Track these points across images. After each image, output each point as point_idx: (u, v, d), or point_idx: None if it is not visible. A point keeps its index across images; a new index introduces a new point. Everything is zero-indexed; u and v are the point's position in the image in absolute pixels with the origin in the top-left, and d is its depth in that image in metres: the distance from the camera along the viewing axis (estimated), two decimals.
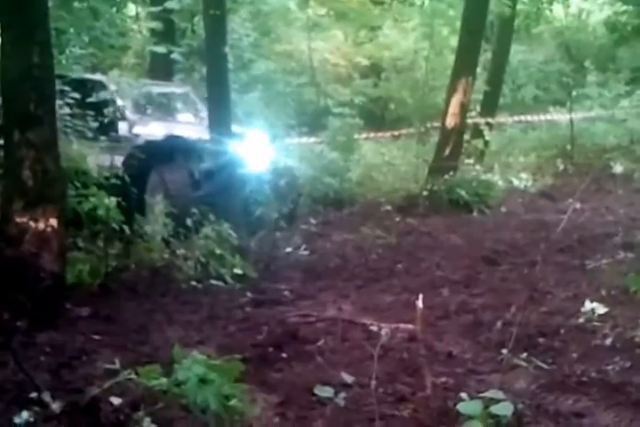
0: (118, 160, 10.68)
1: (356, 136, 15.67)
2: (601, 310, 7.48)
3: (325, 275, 9.11)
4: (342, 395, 4.07)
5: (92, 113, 11.04)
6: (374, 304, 7.63)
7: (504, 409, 3.94)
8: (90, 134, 10.75)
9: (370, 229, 11.05)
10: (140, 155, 10.46)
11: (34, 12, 6.92)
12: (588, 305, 7.59)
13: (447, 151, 14.56)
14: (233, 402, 3.40)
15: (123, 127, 11.07)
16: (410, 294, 7.94)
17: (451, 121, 14.52)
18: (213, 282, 8.41)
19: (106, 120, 10.93)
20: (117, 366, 4.62)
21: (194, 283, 8.32)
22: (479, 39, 15.57)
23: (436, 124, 15.60)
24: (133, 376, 3.57)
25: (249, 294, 8.08)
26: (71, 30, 11.43)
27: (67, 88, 9.94)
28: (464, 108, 14.78)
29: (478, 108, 18.02)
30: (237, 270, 8.65)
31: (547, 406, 5.19)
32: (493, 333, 6.84)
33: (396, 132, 17.91)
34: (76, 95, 10.42)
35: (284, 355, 6.23)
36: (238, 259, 8.82)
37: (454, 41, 15.83)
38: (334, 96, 16.86)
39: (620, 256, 9.66)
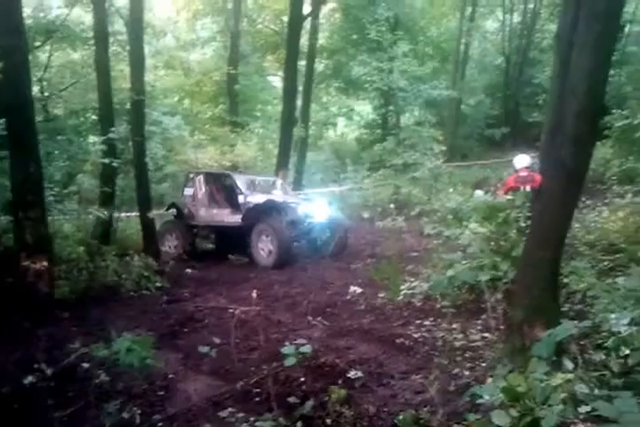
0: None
1: None
2: (359, 290, 7.62)
3: (209, 283, 8.93)
4: (214, 350, 3.96)
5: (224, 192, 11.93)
6: (238, 297, 7.49)
7: (306, 349, 3.97)
8: (221, 204, 11.81)
9: (235, 256, 10.91)
10: (251, 213, 10.58)
11: (30, 143, 6.72)
12: (352, 288, 7.73)
13: None
14: (148, 361, 3.27)
15: (240, 198, 11.07)
16: (257, 290, 7.89)
17: None
18: (144, 292, 8.10)
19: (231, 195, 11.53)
20: (77, 345, 4.38)
21: (132, 293, 8.01)
22: (289, 149, 15.82)
23: None
24: (88, 350, 3.38)
25: (165, 297, 7.82)
26: (56, 152, 10.89)
27: None
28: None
29: (292, 186, 18.19)
30: (158, 284, 8.37)
31: (331, 345, 5.23)
32: (302, 307, 6.86)
33: None
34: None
35: (185, 330, 6.07)
36: (158, 277, 8.54)
37: (276, 151, 15.99)
38: None
39: (368, 261, 9.91)
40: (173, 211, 12.05)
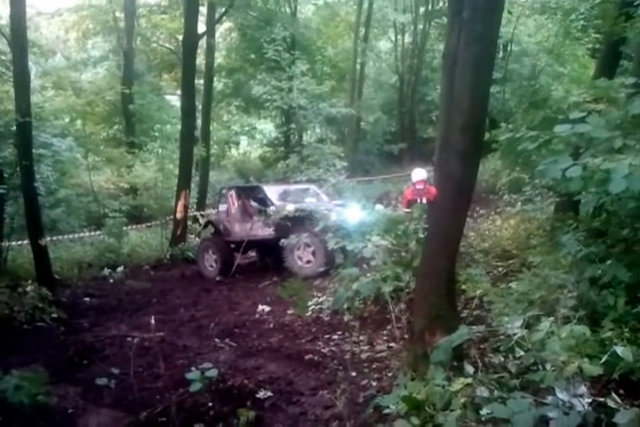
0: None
1: (123, 228, 15.01)
2: (267, 308, 7.64)
3: (109, 311, 8.58)
4: (113, 381, 3.83)
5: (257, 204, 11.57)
6: (140, 323, 7.20)
7: (212, 372, 3.93)
8: (255, 216, 11.37)
9: (134, 279, 10.58)
10: (281, 224, 10.20)
11: None
12: (260, 307, 7.73)
13: (179, 232, 14.30)
14: (40, 397, 3.11)
15: (272, 209, 10.76)
16: (161, 314, 7.70)
17: (179, 215, 14.37)
18: (39, 324, 7.67)
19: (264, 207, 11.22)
20: None
21: (25, 326, 7.55)
22: (190, 169, 15.60)
23: (171, 217, 15.26)
24: None
25: (62, 328, 7.45)
26: None
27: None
28: (186, 208, 14.70)
29: (195, 207, 17.90)
30: (54, 315, 7.95)
31: (239, 366, 5.19)
32: (209, 330, 6.70)
33: (148, 224, 17.37)
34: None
35: (85, 362, 5.81)
36: (54, 308, 8.11)
37: (177, 171, 15.70)
38: (109, 206, 16.20)
39: (275, 279, 9.87)
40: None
